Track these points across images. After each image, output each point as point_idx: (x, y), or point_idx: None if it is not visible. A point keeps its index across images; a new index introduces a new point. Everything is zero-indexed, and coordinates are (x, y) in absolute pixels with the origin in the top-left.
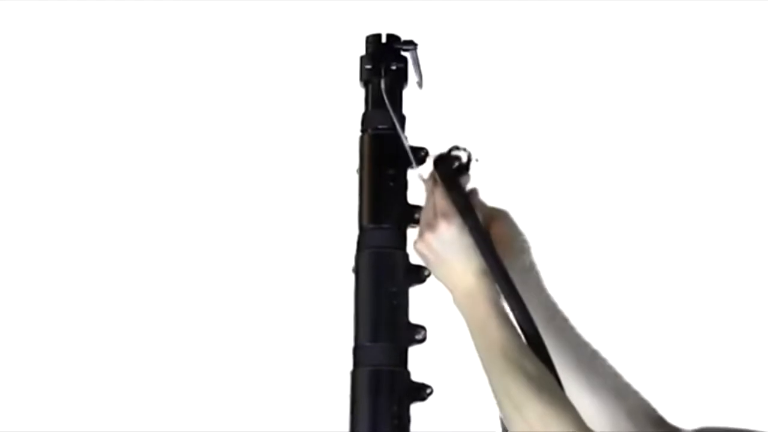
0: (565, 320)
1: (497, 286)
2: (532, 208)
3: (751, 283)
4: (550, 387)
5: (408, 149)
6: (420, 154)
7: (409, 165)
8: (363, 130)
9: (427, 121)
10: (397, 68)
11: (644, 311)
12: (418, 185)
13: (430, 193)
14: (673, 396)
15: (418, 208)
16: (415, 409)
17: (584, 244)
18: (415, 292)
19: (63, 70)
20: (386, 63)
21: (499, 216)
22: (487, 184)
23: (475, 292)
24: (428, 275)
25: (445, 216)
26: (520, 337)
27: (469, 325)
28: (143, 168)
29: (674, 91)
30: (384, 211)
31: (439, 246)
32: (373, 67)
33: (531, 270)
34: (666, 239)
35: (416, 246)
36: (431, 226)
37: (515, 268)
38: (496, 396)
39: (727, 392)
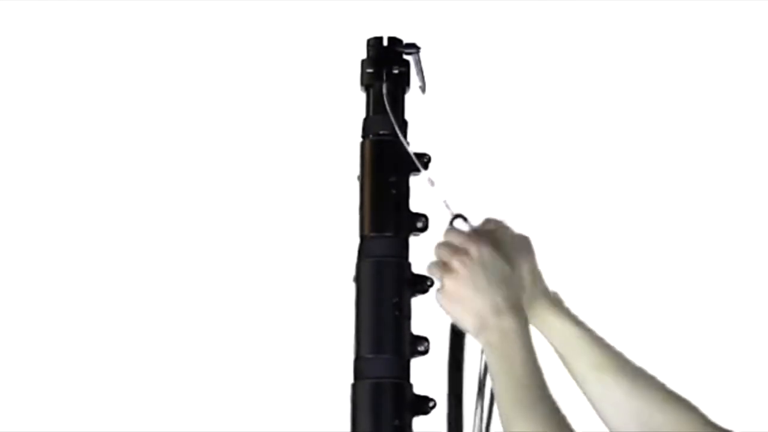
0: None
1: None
2: (534, 212)
3: (751, 283)
4: None
5: (411, 155)
6: (423, 161)
7: (411, 171)
8: (364, 136)
9: (429, 127)
10: (399, 72)
11: (644, 311)
12: (422, 191)
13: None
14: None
15: (420, 216)
16: (418, 422)
17: (584, 245)
18: (417, 303)
19: (63, 70)
20: (388, 67)
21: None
22: (489, 188)
23: (512, 329)
24: (431, 285)
25: (473, 240)
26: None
27: (498, 365)
28: (144, 174)
29: (674, 91)
30: (385, 219)
31: (472, 272)
32: (375, 71)
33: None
34: (666, 240)
35: (441, 290)
36: (459, 252)
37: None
38: None
39: (727, 392)
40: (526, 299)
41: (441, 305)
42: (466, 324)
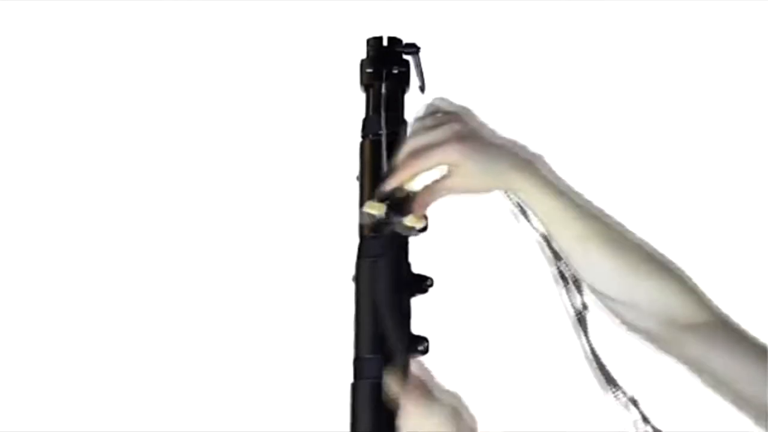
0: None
1: None
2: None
3: (751, 283)
4: None
5: (384, 157)
6: None
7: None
8: (363, 136)
9: None
10: (399, 72)
11: None
12: None
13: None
14: (673, 397)
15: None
16: None
17: None
18: (417, 303)
19: (63, 70)
20: (387, 67)
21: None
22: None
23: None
24: (431, 285)
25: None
26: None
27: (555, 199)
28: (143, 174)
29: (674, 91)
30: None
31: (479, 128)
32: (374, 70)
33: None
34: (667, 240)
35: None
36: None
37: None
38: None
39: None
40: (509, 168)
41: (461, 167)
42: (501, 162)
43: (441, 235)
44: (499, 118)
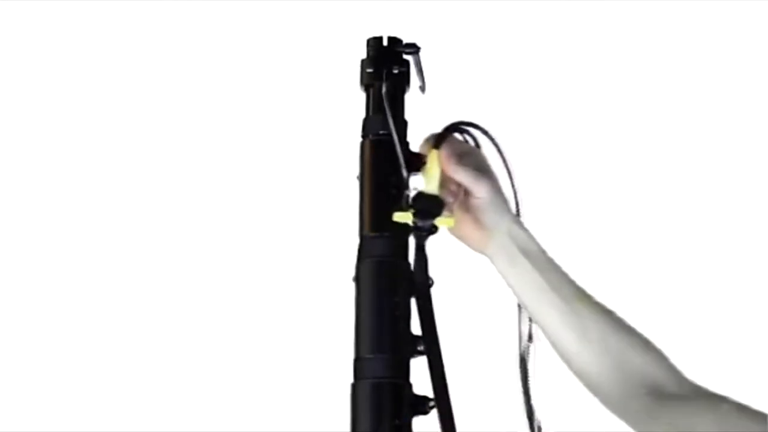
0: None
1: None
2: (534, 213)
3: (752, 284)
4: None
5: (401, 158)
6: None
7: (412, 170)
8: (364, 136)
9: (429, 127)
10: (399, 72)
11: (644, 311)
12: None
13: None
14: None
15: None
16: (417, 422)
17: (585, 246)
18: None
19: (63, 70)
20: (388, 67)
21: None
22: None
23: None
24: (431, 285)
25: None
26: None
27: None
28: (143, 175)
29: (674, 91)
30: (385, 219)
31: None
32: (375, 70)
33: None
34: (666, 240)
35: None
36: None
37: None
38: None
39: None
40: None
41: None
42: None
43: (440, 235)
44: (498, 118)
